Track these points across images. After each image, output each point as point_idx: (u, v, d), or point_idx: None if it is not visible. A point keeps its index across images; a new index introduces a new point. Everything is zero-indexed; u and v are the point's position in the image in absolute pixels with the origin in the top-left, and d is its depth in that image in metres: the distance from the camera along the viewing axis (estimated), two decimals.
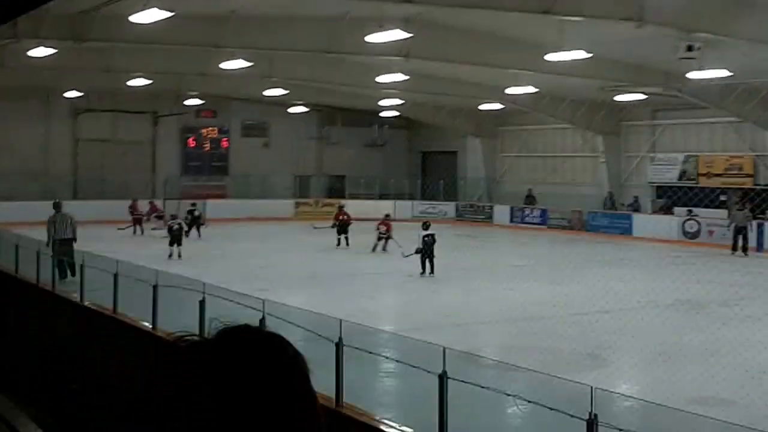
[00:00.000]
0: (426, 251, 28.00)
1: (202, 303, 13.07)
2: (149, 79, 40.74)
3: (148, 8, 22.16)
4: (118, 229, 40.27)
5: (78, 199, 48.47)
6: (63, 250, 22.93)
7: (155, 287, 14.91)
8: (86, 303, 17.30)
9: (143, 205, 43.82)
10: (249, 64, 32.95)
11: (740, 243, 35.93)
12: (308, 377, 1.62)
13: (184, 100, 50.47)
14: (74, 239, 24.21)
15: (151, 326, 14.63)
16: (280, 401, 1.55)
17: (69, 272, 21.89)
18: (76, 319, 17.12)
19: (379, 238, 34.77)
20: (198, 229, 40.48)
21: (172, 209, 40.41)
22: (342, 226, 37.52)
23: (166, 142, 53.65)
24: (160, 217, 41.16)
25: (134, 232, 41.82)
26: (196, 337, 1.61)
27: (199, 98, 50.80)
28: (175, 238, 32.41)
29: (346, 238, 37.09)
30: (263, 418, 1.52)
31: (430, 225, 29.22)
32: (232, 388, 1.52)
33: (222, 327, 1.63)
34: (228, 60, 32.54)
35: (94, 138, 50.97)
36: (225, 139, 55.61)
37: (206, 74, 38.41)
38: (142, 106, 51.25)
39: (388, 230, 35.12)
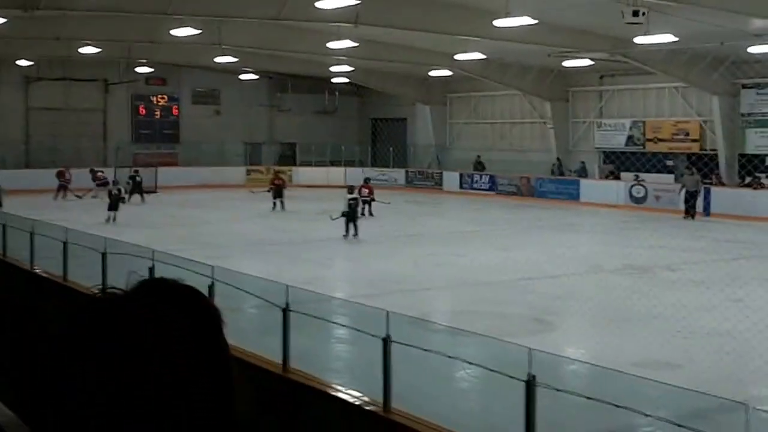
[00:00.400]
0: (350, 215, 29.05)
1: (151, 270, 13.13)
2: (99, 47, 40.48)
3: None
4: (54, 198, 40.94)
5: (30, 167, 48.25)
6: None
7: (104, 254, 14.97)
8: (36, 270, 17.32)
9: (70, 173, 44.46)
10: (198, 31, 32.82)
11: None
12: (221, 328, 1.66)
13: (134, 68, 50.11)
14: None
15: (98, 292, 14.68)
16: (192, 351, 1.59)
17: None
18: (26, 287, 17.14)
19: (364, 202, 35.07)
20: (141, 195, 41.30)
21: (119, 176, 40.74)
22: (277, 190, 38.87)
23: (117, 110, 53.27)
24: (104, 185, 41.04)
25: (55, 197, 42.52)
26: (116, 290, 1.64)
27: (150, 66, 50.49)
28: (114, 203, 33.16)
29: (282, 202, 38.44)
30: (174, 368, 1.56)
31: (354, 189, 30.41)
32: (143, 336, 1.56)
33: (139, 280, 1.68)
34: (177, 27, 32.38)
35: (46, 106, 50.61)
36: (175, 106, 55.31)
37: (156, 42, 38.21)
38: (93, 74, 50.83)
39: (370, 193, 36.26)
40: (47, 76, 49.64)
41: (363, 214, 34.00)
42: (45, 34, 35.77)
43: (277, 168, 46.95)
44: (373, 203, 35.80)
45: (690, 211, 36.32)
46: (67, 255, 16.19)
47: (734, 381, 12.82)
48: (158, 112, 54.78)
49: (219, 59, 43.64)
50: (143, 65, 50.10)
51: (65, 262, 16.14)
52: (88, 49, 40.87)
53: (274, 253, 25.89)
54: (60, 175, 44.27)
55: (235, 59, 43.69)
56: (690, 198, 36.63)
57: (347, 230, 28.92)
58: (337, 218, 29.23)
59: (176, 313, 1.61)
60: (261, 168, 53.13)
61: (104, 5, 27.65)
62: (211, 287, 11.26)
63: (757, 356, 13.87)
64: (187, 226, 32.16)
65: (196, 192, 45.89)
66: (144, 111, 54.29)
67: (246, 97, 56.52)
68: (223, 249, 25.21)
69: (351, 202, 29.34)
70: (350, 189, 30.23)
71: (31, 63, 47.73)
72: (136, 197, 41.23)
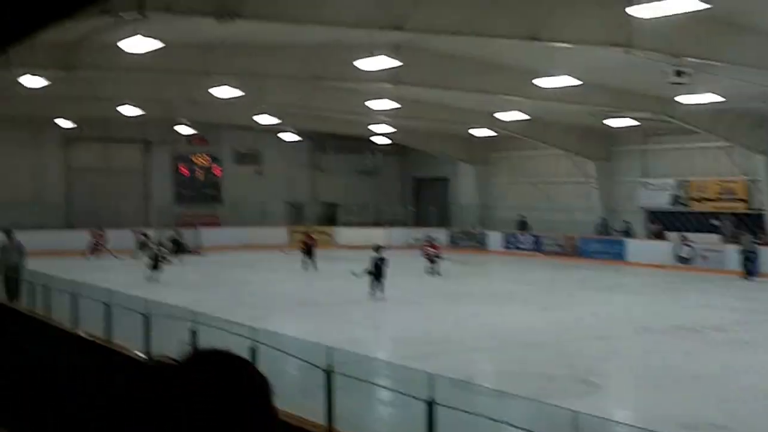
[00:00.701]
0: (376, 273, 28.91)
1: (193, 333, 13.03)
2: (140, 107, 40.69)
3: (137, 36, 22.13)
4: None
5: (71, 228, 48.45)
6: (10, 275, 23.77)
7: (147, 316, 14.88)
8: (80, 332, 17.24)
9: (104, 233, 45.26)
10: (239, 92, 32.97)
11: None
12: (270, 397, 1.72)
13: (175, 128, 50.22)
14: (22, 265, 24.83)
15: (145, 356, 14.58)
16: (243, 420, 1.64)
17: (16, 294, 22.68)
18: (70, 349, 17.05)
19: (431, 261, 36.11)
20: (182, 255, 41.98)
21: (161, 237, 41.75)
22: (307, 250, 39.19)
23: (158, 170, 53.56)
24: (144, 245, 41.79)
25: (87, 256, 43.22)
26: (171, 360, 1.71)
27: (191, 126, 50.59)
28: (156, 263, 33.76)
29: (313, 261, 38.63)
30: None
31: (381, 248, 30.09)
32: (196, 406, 1.61)
33: (193, 350, 1.74)
34: (218, 86, 32.50)
35: (87, 167, 50.92)
36: (217, 166, 55.59)
37: (197, 101, 38.40)
38: (133, 134, 51.17)
39: (437, 251, 37.01)
40: (87, 136, 50.07)
41: (431, 272, 35.60)
42: (85, 94, 36.07)
43: (305, 228, 46.96)
44: (439, 261, 36.11)
45: (750, 272, 35.88)
46: (111, 317, 16.13)
47: None
48: (200, 172, 55.03)
49: (260, 119, 43.91)
50: (184, 125, 50.25)
51: (108, 324, 16.07)
52: (128, 109, 41.05)
53: (314, 314, 25.76)
54: (93, 234, 44.88)
55: (276, 119, 43.96)
56: (748, 258, 36.22)
57: (373, 288, 28.75)
58: (360, 275, 29.13)
59: (227, 384, 1.67)
60: (303, 227, 53.08)
61: (144, 65, 27.78)
62: (253, 349, 11.12)
63: None
64: (227, 287, 32.13)
65: (238, 252, 45.93)
66: (186, 171, 54.58)
67: (287, 157, 56.74)
68: (263, 310, 25.13)
69: (378, 261, 29.18)
70: (377, 248, 29.98)
71: (71, 123, 47.88)
72: (178, 257, 41.51)
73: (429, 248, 37.35)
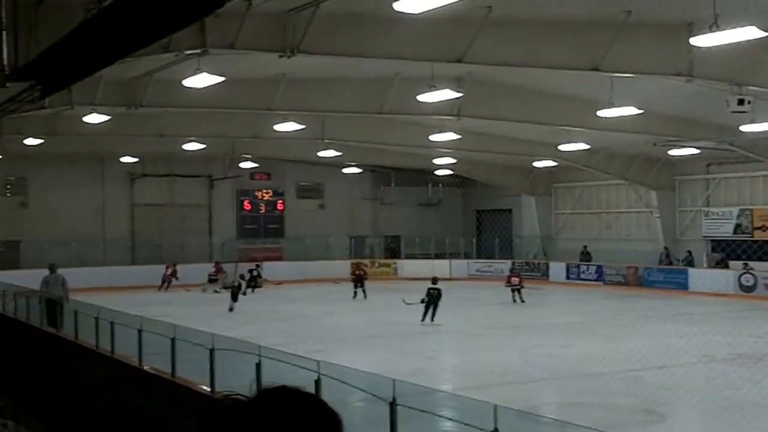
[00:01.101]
0: (430, 302, 30.07)
1: (258, 366, 13.13)
2: (203, 143, 41.22)
3: (200, 73, 22.48)
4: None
5: (136, 263, 49.00)
6: (52, 307, 24.11)
7: (212, 351, 15.02)
8: (145, 367, 17.41)
9: (174, 268, 46.30)
10: (301, 126, 33.29)
11: None
12: (341, 431, 1.71)
13: (238, 163, 50.71)
14: (66, 298, 25.56)
15: (209, 389, 14.71)
16: None
17: (59, 324, 23.10)
18: (135, 384, 17.24)
19: (514, 290, 38.26)
20: (253, 288, 42.51)
21: (230, 272, 42.33)
22: (358, 280, 41.80)
23: (221, 205, 53.91)
24: (214, 280, 43.76)
25: (159, 289, 44.68)
26: (240, 397, 1.71)
27: (253, 161, 51.11)
28: (234, 295, 35.43)
29: (363, 291, 41.01)
30: None
31: (437, 280, 31.39)
32: None
33: (263, 388, 1.75)
34: (280, 123, 32.87)
35: (150, 202, 51.41)
36: (280, 200, 55.84)
37: (259, 137, 38.60)
38: (197, 170, 51.82)
39: (520, 281, 39.06)
40: (151, 172, 50.78)
41: (515, 300, 37.83)
42: (148, 131, 36.34)
43: (357, 261, 48.02)
44: (523, 290, 38.13)
45: None
46: (175, 351, 16.27)
47: None
48: (263, 207, 55.28)
49: (322, 153, 44.14)
50: (247, 160, 50.74)
51: (173, 359, 16.21)
52: (191, 145, 41.61)
53: (377, 346, 25.82)
54: (167, 269, 45.84)
55: (338, 153, 44.18)
56: None
57: (424, 316, 29.82)
58: (412, 304, 30.12)
59: (298, 422, 1.67)
60: (366, 261, 53.12)
61: (207, 101, 28.16)
62: (317, 382, 11.20)
63: None
64: (290, 320, 32.30)
65: (301, 286, 46.21)
66: (249, 206, 54.84)
67: (349, 191, 57.03)
68: (325, 342, 25.21)
69: (432, 291, 30.31)
70: (434, 280, 31.26)
71: (135, 159, 48.63)
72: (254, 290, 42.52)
73: (513, 278, 39.32)
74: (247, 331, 25.49)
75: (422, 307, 30.05)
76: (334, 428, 1.71)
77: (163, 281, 45.42)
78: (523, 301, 37.74)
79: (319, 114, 33.18)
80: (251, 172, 53.75)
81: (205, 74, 22.52)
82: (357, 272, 42.80)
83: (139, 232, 51.35)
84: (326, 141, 39.20)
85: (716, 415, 16.12)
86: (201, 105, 29.28)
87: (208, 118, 35.31)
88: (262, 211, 55.22)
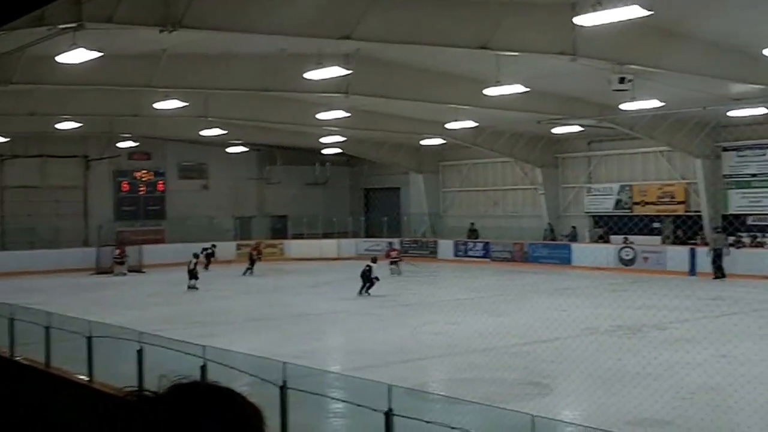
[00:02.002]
0: (364, 277, 33.29)
1: (140, 353, 12.79)
2: (78, 122, 39.73)
3: (75, 48, 21.41)
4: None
5: (6, 249, 47.26)
6: None
7: (89, 338, 14.57)
8: (17, 357, 16.77)
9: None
10: (184, 104, 32.39)
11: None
12: (263, 428, 1.61)
13: (116, 143, 49.44)
14: None
15: (87, 379, 14.26)
16: None
17: None
18: (6, 374, 16.61)
19: (392, 263, 41.18)
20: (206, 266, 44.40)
21: (106, 255, 43.91)
22: (251, 260, 44.14)
23: (98, 186, 52.08)
24: (120, 262, 44.55)
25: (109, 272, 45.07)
26: (147, 393, 1.58)
27: (133, 140, 49.75)
28: (190, 272, 37.01)
29: (250, 270, 43.40)
30: None
31: (377, 259, 35.08)
32: None
33: (172, 383, 1.60)
34: (161, 100, 31.78)
35: (22, 185, 49.40)
36: (161, 181, 54.52)
37: (139, 115, 37.15)
38: (71, 150, 50.14)
39: (398, 254, 43.85)
40: (22, 153, 48.81)
41: (392, 273, 40.22)
42: (19, 109, 34.70)
43: (258, 241, 50.01)
44: (401, 265, 41.63)
45: (718, 272, 36.85)
46: (50, 340, 15.72)
47: None
48: (143, 188, 53.84)
49: (206, 132, 43.36)
50: (126, 140, 49.39)
51: (48, 348, 15.67)
52: (66, 125, 40.00)
53: (265, 329, 25.50)
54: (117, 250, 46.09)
55: (222, 131, 43.45)
56: (717, 258, 37.06)
57: (360, 291, 32.77)
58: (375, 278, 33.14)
59: (212, 420, 1.53)
60: (252, 242, 52.45)
61: (83, 78, 26.99)
62: (203, 368, 10.95)
63: (748, 409, 13.99)
64: (174, 305, 31.73)
65: (184, 269, 45.59)
66: (127, 187, 53.29)
67: (234, 170, 56.28)
68: (212, 326, 24.83)
69: (366, 268, 33.48)
70: (373, 259, 34.71)
71: (5, 139, 46.10)
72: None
73: (391, 252, 43.60)
74: (127, 317, 24.99)
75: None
76: (252, 425, 1.59)
77: (117, 262, 45.11)
78: (400, 274, 40.64)
79: (202, 91, 32.23)
80: (130, 152, 52.37)
81: (81, 50, 21.38)
82: (253, 252, 45.19)
83: (8, 217, 49.40)
84: (210, 119, 38.41)
85: (599, 384, 16.47)
86: (76, 82, 28.00)
87: (84, 96, 33.66)
88: (142, 192, 53.82)
